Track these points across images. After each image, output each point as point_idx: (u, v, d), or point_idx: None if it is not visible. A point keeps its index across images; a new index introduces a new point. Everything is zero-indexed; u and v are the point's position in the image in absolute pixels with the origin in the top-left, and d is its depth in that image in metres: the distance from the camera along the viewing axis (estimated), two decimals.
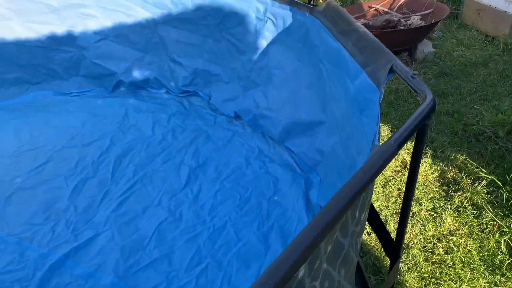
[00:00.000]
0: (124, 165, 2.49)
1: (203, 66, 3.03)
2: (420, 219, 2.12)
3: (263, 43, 2.60)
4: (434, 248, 1.96)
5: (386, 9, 4.20)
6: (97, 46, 3.23)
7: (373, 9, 4.15)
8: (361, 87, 1.53)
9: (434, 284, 1.79)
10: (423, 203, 2.20)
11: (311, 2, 2.27)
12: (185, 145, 2.66)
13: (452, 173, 2.38)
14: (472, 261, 1.88)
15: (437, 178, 2.37)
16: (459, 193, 2.23)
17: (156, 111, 3.01)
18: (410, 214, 2.15)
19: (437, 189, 2.29)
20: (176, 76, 3.15)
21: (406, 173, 2.37)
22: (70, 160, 2.53)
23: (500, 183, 2.23)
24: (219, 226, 2.04)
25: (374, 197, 2.25)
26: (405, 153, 2.55)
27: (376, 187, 2.33)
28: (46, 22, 3.12)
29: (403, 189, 2.26)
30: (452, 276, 1.82)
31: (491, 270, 1.83)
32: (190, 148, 2.63)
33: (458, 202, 2.18)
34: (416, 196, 2.25)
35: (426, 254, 1.93)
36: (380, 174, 2.34)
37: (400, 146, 0.98)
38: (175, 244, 1.95)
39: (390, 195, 2.27)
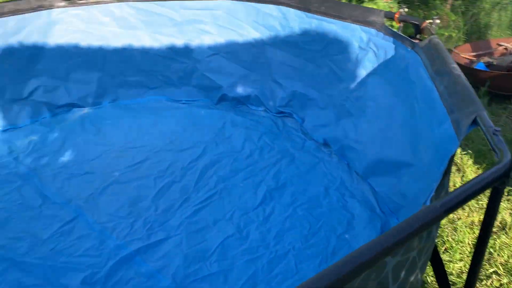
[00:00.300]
0: (208, 175, 2.60)
1: (302, 89, 3.04)
2: None
3: (363, 73, 2.52)
4: None
5: None
6: (209, 60, 3.44)
7: (502, 47, 3.74)
8: (444, 135, 1.39)
9: None
10: None
11: (417, 36, 2.13)
12: (269, 164, 2.69)
13: None
14: None
15: None
16: None
17: (250, 127, 3.10)
18: None
19: None
20: (275, 96, 3.22)
21: (503, 236, 2.08)
22: (163, 163, 2.73)
23: None
24: (281, 253, 2.01)
25: (457, 256, 2.01)
26: (506, 213, 2.24)
27: (463, 246, 2.08)
28: (169, 34, 3.43)
29: (495, 254, 1.98)
30: None
31: None
32: (273, 168, 2.65)
33: None
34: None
35: None
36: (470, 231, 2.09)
37: (448, 211, 0.86)
38: (235, 262, 1.98)
39: None
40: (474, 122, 1.21)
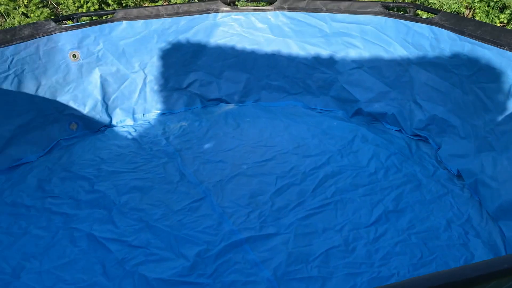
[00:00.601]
0: (327, 185, 2.65)
1: (443, 114, 2.88)
2: None
3: None
4: None
5: None
6: (350, 73, 3.48)
7: None
8: None
9: None
10: None
11: None
12: (392, 186, 2.62)
13: None
14: None
15: None
16: None
17: (380, 145, 3.04)
18: None
19: None
20: (413, 117, 3.10)
21: None
22: (287, 165, 2.87)
23: None
24: (383, 275, 1.97)
25: None
26: None
27: None
28: (316, 44, 3.56)
29: None
30: None
31: None
32: (395, 191, 2.57)
33: None
34: None
35: None
36: None
37: None
38: (335, 272, 2.00)
39: None
40: None
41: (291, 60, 3.71)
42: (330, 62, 3.56)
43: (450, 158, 2.75)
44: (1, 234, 2.32)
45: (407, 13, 3.12)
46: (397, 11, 3.27)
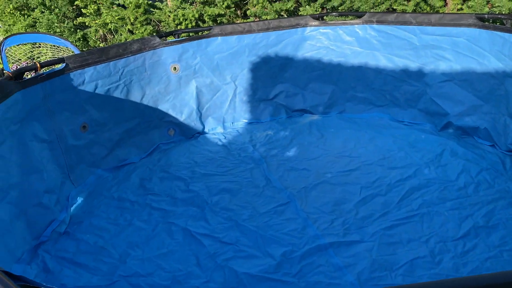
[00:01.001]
0: (414, 197, 2.63)
1: None
2: None
3: None
4: None
5: None
6: (440, 86, 3.42)
7: None
8: None
9: None
10: None
11: None
12: (483, 202, 2.53)
13: None
14: None
15: None
16: None
17: (471, 160, 2.95)
18: None
19: None
20: (508, 132, 2.96)
21: None
22: (372, 175, 2.89)
23: None
24: None
25: None
26: None
27: None
28: (404, 57, 3.55)
29: None
30: None
31: None
32: (486, 207, 2.49)
33: None
34: None
35: None
36: None
37: None
38: (419, 281, 1.99)
39: None
40: None
41: (378, 72, 3.73)
42: (418, 75, 3.53)
43: None
44: (110, 224, 2.63)
45: (504, 25, 3.01)
46: (492, 22, 3.16)
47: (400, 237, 2.30)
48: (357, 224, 2.42)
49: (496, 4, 3.67)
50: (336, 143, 3.43)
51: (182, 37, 3.85)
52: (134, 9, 5.28)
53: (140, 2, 5.25)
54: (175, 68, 3.62)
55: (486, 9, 3.80)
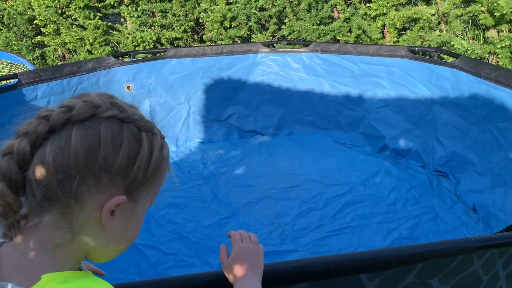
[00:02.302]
0: (347, 211, 2.84)
1: (462, 151, 3.02)
2: None
3: None
4: None
5: None
6: (378, 111, 3.70)
7: None
8: None
9: None
10: None
11: None
12: (409, 216, 2.76)
13: None
14: None
15: None
16: None
17: (402, 179, 3.20)
18: None
19: None
20: (435, 153, 3.25)
21: None
22: (312, 191, 3.09)
23: None
24: None
25: None
26: None
27: None
28: (346, 84, 3.83)
29: None
30: None
31: None
32: (411, 221, 2.72)
33: None
34: None
35: None
36: None
37: (479, 248, 0.99)
38: None
39: None
40: None
41: (323, 97, 3.98)
42: (359, 101, 3.80)
43: (468, 193, 2.87)
44: None
45: (431, 57, 3.34)
46: (422, 55, 3.50)
47: (331, 247, 2.48)
48: (293, 235, 2.59)
49: (426, 39, 4.04)
50: (283, 162, 3.63)
51: (139, 57, 4.00)
52: (93, 30, 5.40)
53: (99, 23, 5.37)
54: (129, 87, 3.74)
55: (419, 43, 4.17)
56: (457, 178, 3.06)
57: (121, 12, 5.54)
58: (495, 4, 3.73)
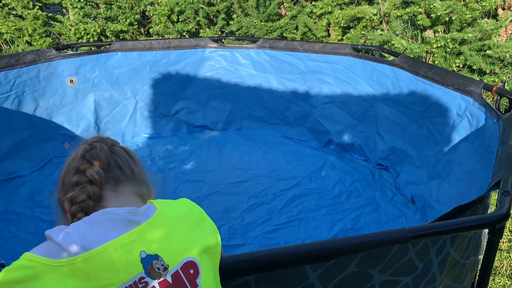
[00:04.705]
0: (295, 204, 2.92)
1: (401, 146, 3.19)
2: None
3: (456, 138, 2.61)
4: None
5: None
6: (323, 107, 3.81)
7: None
8: None
9: None
10: None
11: (497, 108, 2.20)
12: (353, 208, 2.89)
13: None
14: None
15: None
16: None
17: (346, 172, 3.34)
18: None
19: None
20: (376, 148, 3.41)
21: None
22: (260, 186, 3.14)
23: None
24: None
25: None
26: None
27: None
28: (293, 80, 3.91)
29: None
30: None
31: None
32: (355, 212, 2.84)
33: None
34: None
35: None
36: None
37: (413, 238, 1.07)
38: None
39: None
40: (496, 186, 1.34)
41: (271, 93, 4.05)
42: (305, 97, 3.90)
43: (407, 185, 3.04)
44: None
45: (374, 55, 3.49)
46: (365, 53, 3.64)
47: (279, 239, 2.54)
48: (242, 229, 2.63)
49: (369, 37, 4.21)
50: (232, 157, 3.65)
51: (82, 50, 3.86)
52: (32, 20, 5.12)
53: (38, 14, 5.11)
54: (71, 81, 3.60)
55: (362, 41, 4.34)
56: (397, 171, 3.23)
57: (62, 2, 5.30)
58: (431, 6, 3.94)
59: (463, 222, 1.11)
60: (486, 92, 2.80)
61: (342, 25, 4.42)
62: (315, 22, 4.61)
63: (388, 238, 1.05)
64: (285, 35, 4.70)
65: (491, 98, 3.27)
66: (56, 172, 3.12)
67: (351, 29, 4.50)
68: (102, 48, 3.86)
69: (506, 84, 3.90)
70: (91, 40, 5.12)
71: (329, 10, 4.42)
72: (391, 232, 1.07)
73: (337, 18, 4.32)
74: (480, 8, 3.90)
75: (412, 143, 3.13)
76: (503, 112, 2.20)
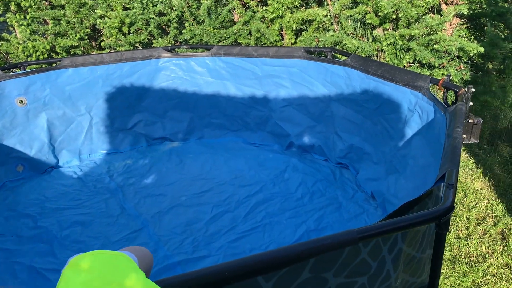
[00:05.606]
0: (258, 210, 2.91)
1: (359, 143, 3.24)
2: None
3: (409, 133, 2.67)
4: None
5: None
6: (282, 110, 3.83)
7: None
8: None
9: None
10: None
11: (445, 101, 2.27)
12: (315, 209, 2.91)
13: None
14: None
15: None
16: None
17: (308, 173, 3.36)
18: None
19: None
20: (335, 147, 3.45)
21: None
22: (224, 194, 3.11)
23: None
24: None
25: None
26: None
27: None
28: (250, 86, 3.91)
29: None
30: None
31: None
32: (318, 213, 2.86)
33: None
34: None
35: None
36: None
37: (362, 239, 1.07)
38: None
39: None
40: (442, 180, 1.37)
41: (230, 100, 4.03)
42: (264, 101, 3.91)
43: (367, 182, 3.09)
44: None
45: (326, 56, 3.54)
46: (318, 55, 3.69)
47: (244, 247, 2.53)
48: (206, 240, 2.59)
49: (321, 39, 4.27)
50: (194, 167, 3.61)
51: (31, 69, 3.72)
52: None
53: None
54: (21, 101, 3.47)
55: (314, 43, 4.40)
56: (356, 168, 3.28)
57: (7, 20, 5.10)
58: (379, 5, 4.05)
59: (409, 219, 1.13)
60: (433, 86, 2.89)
61: (294, 28, 4.46)
62: (267, 27, 4.64)
63: (336, 242, 1.06)
64: (239, 41, 4.71)
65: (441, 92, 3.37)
66: (11, 197, 2.97)
67: (303, 32, 4.55)
68: (52, 65, 3.74)
69: (452, 76, 4.04)
70: (41, 57, 4.96)
71: (280, 14, 4.45)
72: (339, 235, 1.08)
73: (288, 21, 4.36)
74: (424, 4, 4.03)
75: (368, 140, 3.18)
76: (451, 104, 2.27)
